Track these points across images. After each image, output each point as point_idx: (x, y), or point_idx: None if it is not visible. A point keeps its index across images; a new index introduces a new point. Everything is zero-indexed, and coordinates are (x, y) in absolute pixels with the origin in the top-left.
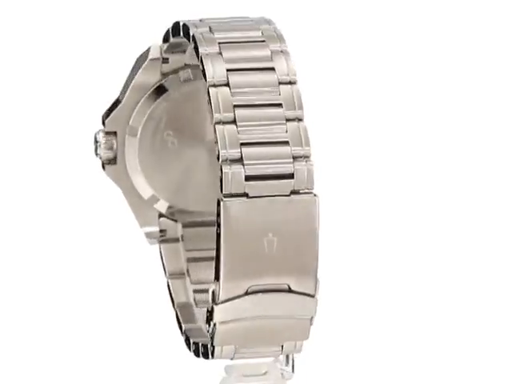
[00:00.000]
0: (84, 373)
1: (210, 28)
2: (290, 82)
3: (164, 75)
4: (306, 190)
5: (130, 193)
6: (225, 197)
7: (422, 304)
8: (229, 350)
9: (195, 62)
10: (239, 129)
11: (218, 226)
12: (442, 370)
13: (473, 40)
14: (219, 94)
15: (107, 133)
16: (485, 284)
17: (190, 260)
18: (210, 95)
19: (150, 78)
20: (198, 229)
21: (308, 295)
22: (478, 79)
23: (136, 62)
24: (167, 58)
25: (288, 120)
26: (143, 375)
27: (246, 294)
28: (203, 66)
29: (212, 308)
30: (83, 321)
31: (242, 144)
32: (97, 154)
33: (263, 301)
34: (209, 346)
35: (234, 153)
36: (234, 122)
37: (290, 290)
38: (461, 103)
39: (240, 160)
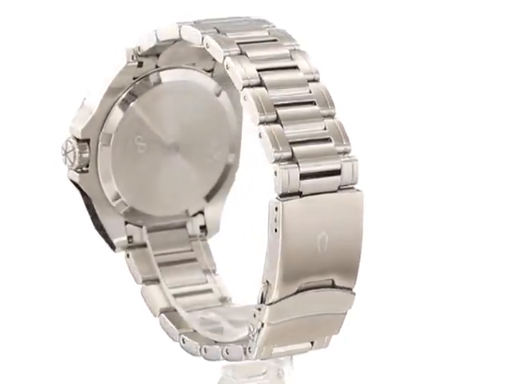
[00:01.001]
0: (85, 376)
1: (216, 29)
2: (314, 80)
3: (134, 79)
4: (350, 186)
5: (100, 200)
6: (281, 196)
7: (421, 306)
8: (268, 350)
9: (169, 64)
10: (285, 127)
11: (273, 227)
12: (445, 372)
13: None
14: (258, 94)
15: (80, 140)
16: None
17: (161, 264)
18: (250, 96)
19: (123, 82)
20: (164, 232)
21: (348, 289)
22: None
23: (106, 67)
24: (142, 62)
25: (324, 117)
26: (143, 376)
27: (296, 292)
28: (231, 67)
29: (261, 308)
30: (74, 324)
31: (290, 143)
32: (67, 163)
33: (309, 298)
34: (242, 346)
35: (286, 151)
36: (277, 121)
37: (333, 286)
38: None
39: (292, 158)
